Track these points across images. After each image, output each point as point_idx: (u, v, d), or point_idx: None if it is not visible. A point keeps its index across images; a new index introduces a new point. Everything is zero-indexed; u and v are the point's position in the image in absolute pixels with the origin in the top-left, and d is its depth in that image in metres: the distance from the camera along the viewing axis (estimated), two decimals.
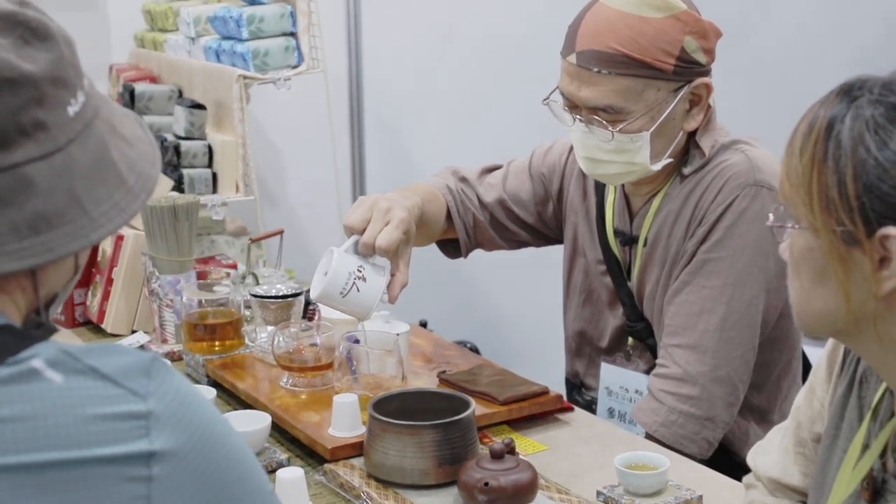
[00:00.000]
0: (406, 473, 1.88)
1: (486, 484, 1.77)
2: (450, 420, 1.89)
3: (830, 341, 1.59)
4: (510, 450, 1.85)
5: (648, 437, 2.14)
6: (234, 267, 2.70)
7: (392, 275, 2.07)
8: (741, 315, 2.10)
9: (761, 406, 2.24)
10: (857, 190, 1.30)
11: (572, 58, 2.08)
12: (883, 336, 1.35)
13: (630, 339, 2.31)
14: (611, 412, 2.33)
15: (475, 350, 3.67)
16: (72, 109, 1.18)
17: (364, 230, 2.04)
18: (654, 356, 2.27)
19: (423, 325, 3.59)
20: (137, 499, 1.09)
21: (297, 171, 3.55)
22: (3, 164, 1.13)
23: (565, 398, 2.47)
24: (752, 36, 4.01)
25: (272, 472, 1.86)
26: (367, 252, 2.04)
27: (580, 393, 2.44)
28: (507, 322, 3.87)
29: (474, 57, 3.71)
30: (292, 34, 2.79)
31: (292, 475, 1.82)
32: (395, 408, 1.96)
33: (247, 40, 2.71)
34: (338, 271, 2.00)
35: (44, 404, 1.08)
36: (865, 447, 1.45)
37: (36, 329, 1.23)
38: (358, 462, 1.96)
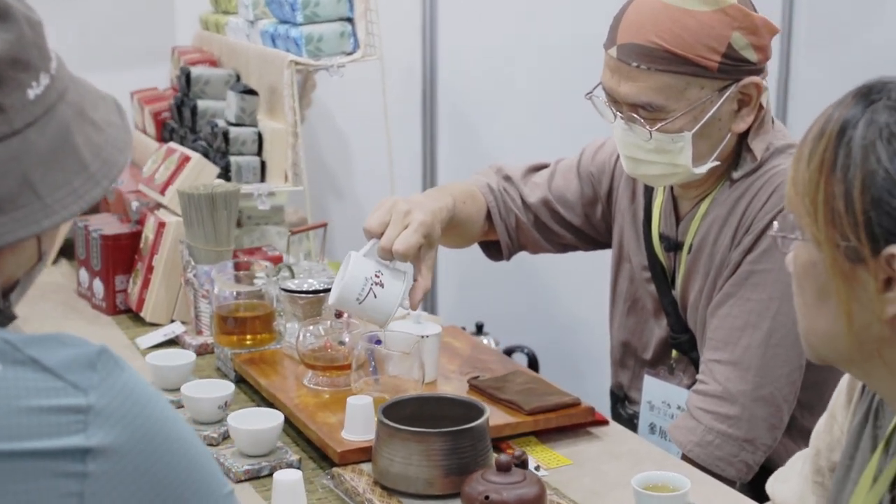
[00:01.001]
0: (411, 482, 1.79)
1: (487, 497, 1.67)
2: (459, 428, 1.79)
3: None
4: (521, 462, 1.75)
5: (685, 457, 2.02)
6: (280, 259, 2.63)
7: (414, 280, 1.98)
8: (787, 331, 1.96)
9: (812, 428, 2.09)
10: (865, 203, 1.17)
11: (613, 51, 1.97)
12: (890, 363, 1.22)
13: (674, 352, 2.18)
14: (652, 428, 2.21)
15: (532, 356, 3.55)
16: (32, 92, 1.14)
17: (383, 234, 1.96)
18: (698, 371, 2.14)
19: (480, 328, 3.49)
20: (70, 495, 1.05)
21: (360, 161, 3.48)
22: None
23: (609, 411, 2.36)
24: (863, 35, 3.83)
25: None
26: (385, 256, 1.96)
27: (623, 406, 2.32)
28: (570, 329, 3.75)
29: (553, 50, 3.60)
30: (349, 20, 2.71)
31: (289, 478, 1.74)
32: (409, 413, 1.87)
33: (301, 24, 2.63)
34: (354, 276, 1.92)
35: None
36: (875, 480, 1.32)
37: None
38: (367, 467, 1.88)
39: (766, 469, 2.05)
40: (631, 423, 2.26)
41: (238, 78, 2.84)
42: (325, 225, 2.53)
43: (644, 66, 1.92)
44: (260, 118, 2.74)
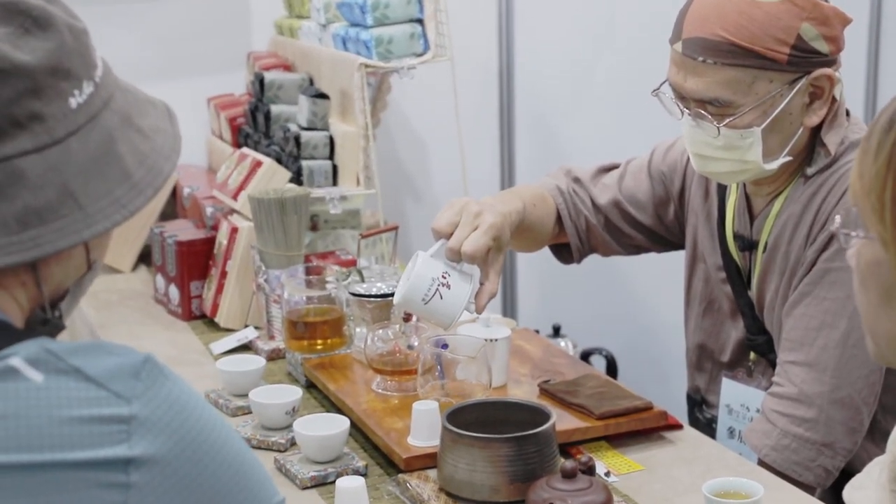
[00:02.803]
0: (476, 488, 1.76)
1: None
2: (525, 434, 1.76)
3: None
4: (587, 469, 1.71)
5: (761, 462, 1.96)
6: (353, 263, 2.62)
7: (481, 283, 1.95)
8: None
9: None
10: None
11: (678, 46, 1.92)
12: None
13: (752, 354, 2.12)
14: (731, 432, 2.15)
15: (611, 359, 3.49)
16: (74, 101, 1.14)
17: (452, 234, 1.93)
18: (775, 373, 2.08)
19: (556, 330, 3.44)
20: None
21: (434, 164, 3.45)
22: None
23: (686, 415, 2.31)
24: None
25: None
26: (453, 258, 1.93)
27: (701, 410, 2.26)
28: (650, 331, 3.68)
29: (633, 49, 3.53)
30: (419, 21, 2.69)
31: (351, 485, 1.73)
32: (474, 418, 1.84)
33: (371, 27, 2.62)
34: (421, 276, 1.89)
35: (19, 404, 1.05)
36: None
37: (42, 325, 1.19)
38: (433, 474, 1.85)
39: (848, 474, 1.98)
40: (709, 427, 2.20)
41: (311, 82, 2.84)
42: (396, 228, 2.51)
43: (710, 60, 1.87)
44: (332, 122, 2.73)
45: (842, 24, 1.88)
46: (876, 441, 2.01)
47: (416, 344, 2.11)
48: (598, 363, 3.48)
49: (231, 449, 1.14)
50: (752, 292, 2.08)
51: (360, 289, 2.25)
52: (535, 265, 3.49)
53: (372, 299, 2.21)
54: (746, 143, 1.90)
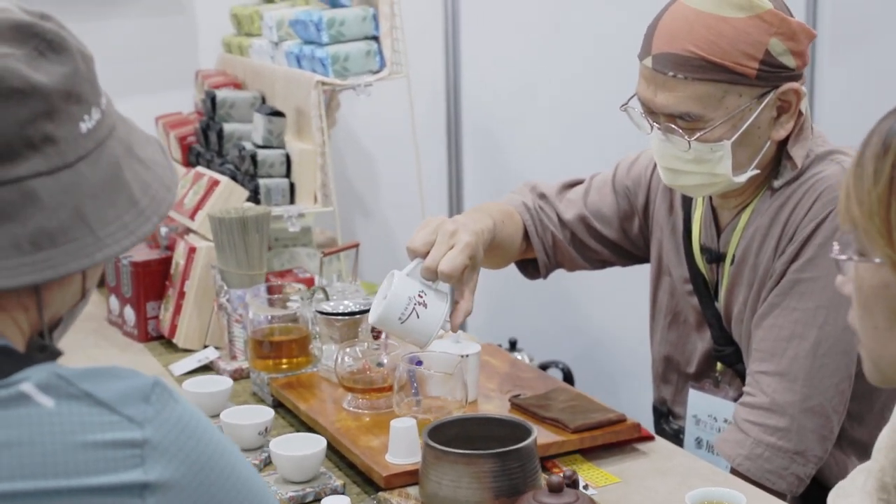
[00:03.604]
0: None
1: None
2: (508, 449, 1.76)
3: None
4: (571, 482, 1.72)
5: (734, 471, 1.98)
6: (312, 281, 2.61)
7: (455, 302, 1.95)
8: (835, 340, 1.93)
9: (863, 439, 2.06)
10: None
11: (648, 61, 1.94)
12: None
13: (719, 365, 2.15)
14: (699, 442, 2.18)
15: (567, 372, 3.52)
16: (84, 126, 1.14)
17: (427, 253, 1.93)
18: (745, 383, 2.10)
19: (513, 344, 3.46)
20: None
21: (387, 180, 3.45)
22: (8, 177, 1.09)
23: (652, 426, 2.33)
24: (889, 36, 3.79)
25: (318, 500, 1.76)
26: (429, 277, 1.93)
27: (668, 421, 2.28)
28: (604, 344, 3.71)
29: (578, 65, 3.57)
30: (374, 38, 2.69)
31: None
32: (453, 434, 1.84)
33: (327, 45, 2.61)
34: (397, 296, 1.89)
35: (32, 430, 1.04)
36: None
37: (40, 352, 1.17)
38: (414, 491, 1.85)
39: (817, 482, 2.02)
40: (676, 438, 2.23)
41: (263, 100, 2.83)
42: (356, 245, 2.50)
43: (681, 75, 1.89)
44: (287, 140, 2.72)
45: (807, 38, 1.92)
46: (842, 448, 2.05)
47: (385, 361, 2.11)
48: (555, 376, 3.50)
49: (240, 471, 1.15)
50: (720, 304, 2.10)
51: (328, 307, 2.24)
52: (486, 280, 3.49)
53: (341, 317, 2.21)
54: (716, 157, 1.93)
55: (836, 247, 1.26)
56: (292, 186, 2.68)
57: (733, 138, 1.92)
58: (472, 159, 3.55)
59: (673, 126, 1.93)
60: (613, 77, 3.66)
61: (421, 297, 1.90)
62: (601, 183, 2.28)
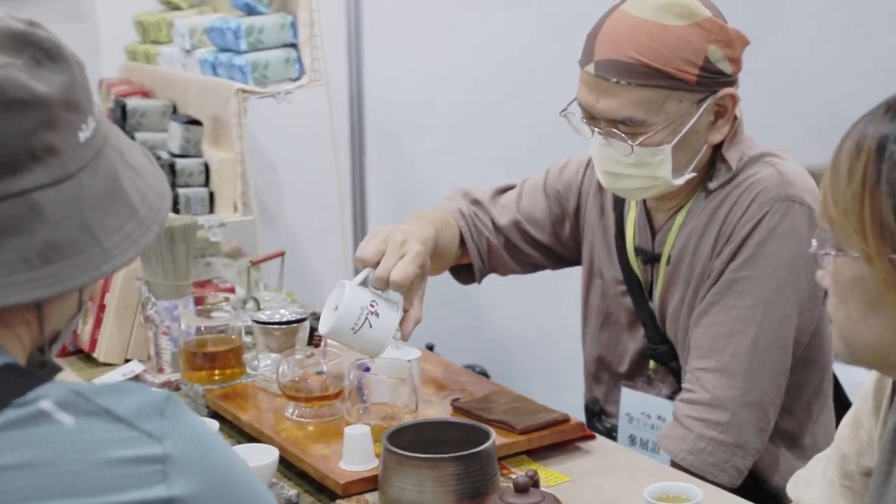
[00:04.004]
0: None
1: None
2: (470, 452, 1.78)
3: (874, 372, 1.49)
4: (534, 483, 1.74)
5: (674, 465, 2.04)
6: (233, 291, 2.59)
7: (405, 310, 1.96)
8: (773, 336, 2.00)
9: (792, 430, 2.13)
10: None
11: (590, 67, 1.98)
12: None
13: (652, 363, 2.20)
14: (632, 439, 2.23)
15: (484, 374, 3.55)
16: (82, 135, 1.12)
17: (377, 263, 1.94)
18: (678, 380, 2.16)
19: (430, 348, 3.48)
20: None
21: (295, 189, 3.44)
22: (12, 190, 1.07)
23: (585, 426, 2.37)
24: (767, 45, 3.92)
25: None
26: (380, 286, 1.94)
27: (600, 420, 2.33)
28: (517, 345, 3.76)
29: (480, 66, 3.61)
30: (293, 45, 2.68)
31: None
32: (409, 439, 1.85)
33: (245, 52, 2.60)
34: (350, 306, 1.89)
35: (55, 449, 1.02)
36: None
37: (40, 368, 1.15)
38: (372, 497, 1.86)
39: (749, 473, 2.08)
40: (609, 436, 2.27)
41: (175, 108, 2.79)
42: (283, 254, 2.49)
43: (624, 81, 1.94)
44: (204, 148, 2.69)
45: (742, 45, 1.98)
46: (772, 439, 2.12)
47: (325, 370, 2.11)
48: None
49: (250, 480, 1.15)
50: (654, 303, 2.16)
51: (264, 316, 2.23)
52: None
53: (280, 326, 2.20)
54: (657, 160, 1.98)
55: (814, 243, 1.32)
56: (211, 195, 2.65)
57: (673, 142, 1.97)
58: (375, 167, 3.56)
59: (615, 131, 1.98)
60: (513, 83, 3.73)
61: (373, 306, 1.91)
62: (533, 188, 2.31)
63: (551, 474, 1.97)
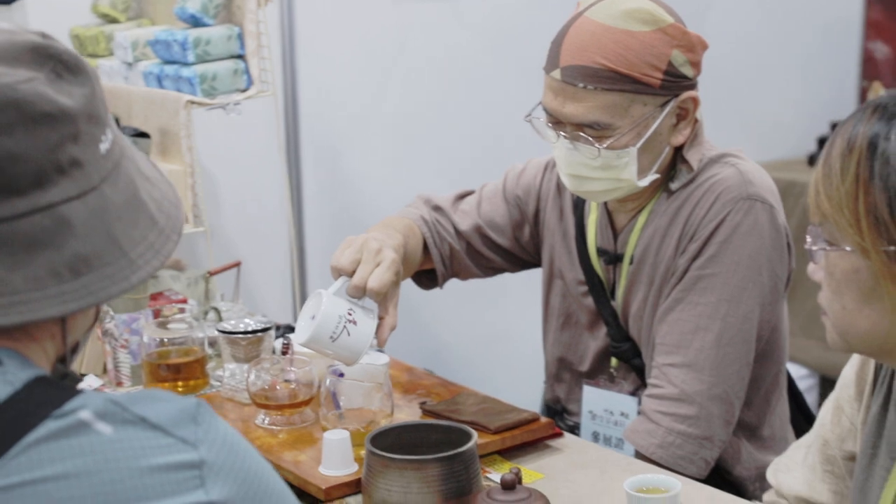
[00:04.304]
0: None
1: None
2: (454, 452, 1.80)
3: (857, 358, 1.55)
4: (519, 480, 1.78)
5: (641, 457, 2.08)
6: (185, 302, 2.58)
7: (380, 317, 1.98)
8: (737, 331, 2.06)
9: (751, 422, 2.20)
10: None
11: (556, 73, 2.02)
12: None
13: (614, 361, 2.25)
14: (595, 436, 2.27)
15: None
16: (103, 147, 1.14)
17: (353, 272, 1.96)
18: (640, 376, 2.21)
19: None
20: None
21: (237, 200, 3.42)
22: (40, 204, 1.08)
23: None
24: None
25: None
26: (357, 294, 1.96)
27: (562, 419, 2.37)
28: (459, 348, 3.80)
29: (418, 80, 3.65)
30: (240, 56, 2.68)
31: None
32: (390, 443, 1.87)
33: (193, 64, 2.59)
34: (328, 315, 1.91)
35: (96, 458, 1.03)
36: None
37: (62, 379, 1.15)
38: (354, 500, 1.87)
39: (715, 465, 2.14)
40: (572, 434, 2.31)
41: (117, 121, 2.77)
42: (238, 265, 2.50)
43: (591, 86, 1.98)
44: (152, 161, 2.67)
45: (703, 49, 2.04)
46: (734, 430, 2.17)
47: (293, 377, 2.12)
48: None
49: (277, 482, 1.17)
50: (617, 302, 2.20)
51: (229, 326, 2.23)
52: (326, 284, 3.49)
53: (245, 336, 2.20)
54: (622, 163, 2.03)
55: (808, 238, 1.37)
56: None
57: (638, 144, 2.02)
58: (312, 175, 3.56)
59: (581, 134, 2.02)
60: (447, 93, 3.77)
61: (350, 314, 1.93)
62: (492, 193, 2.35)
63: (526, 472, 2.00)
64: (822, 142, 4.56)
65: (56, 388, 1.08)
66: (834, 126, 4.46)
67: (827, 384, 4.14)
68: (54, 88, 1.11)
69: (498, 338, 3.92)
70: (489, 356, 3.84)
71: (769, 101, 4.50)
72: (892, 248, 1.28)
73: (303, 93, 3.47)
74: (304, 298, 3.48)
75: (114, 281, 1.12)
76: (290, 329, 2.50)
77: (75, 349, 1.22)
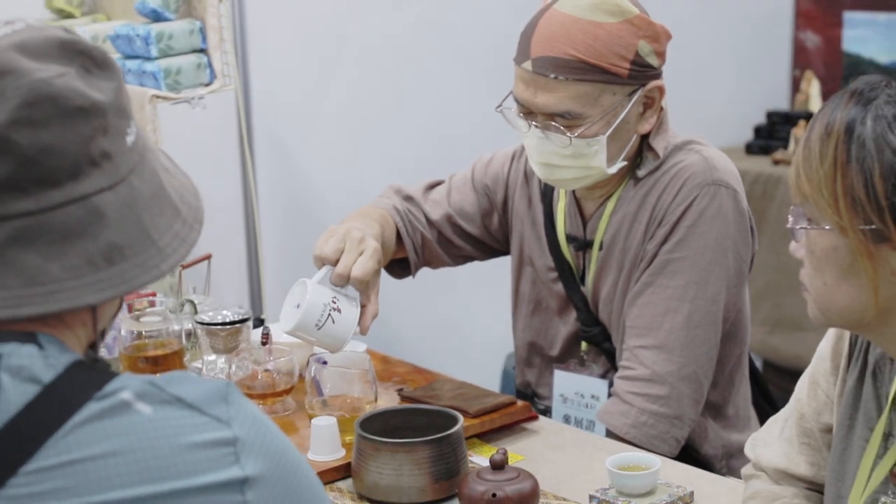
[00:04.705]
0: (403, 492, 1.84)
1: (494, 495, 1.75)
2: (444, 434, 1.86)
3: (833, 334, 1.62)
4: (506, 460, 1.83)
5: (613, 437, 2.14)
6: (154, 296, 2.59)
7: (363, 305, 2.03)
8: (705, 312, 2.13)
9: (716, 401, 2.27)
10: (887, 190, 1.33)
11: (527, 64, 2.08)
12: None
13: (584, 345, 2.31)
14: (566, 419, 2.33)
15: None
16: (129, 139, 1.17)
17: (337, 261, 2.00)
18: (610, 360, 2.27)
19: None
20: None
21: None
22: (75, 195, 1.11)
23: None
24: None
25: None
26: (341, 283, 2.01)
27: (533, 403, 2.43)
28: (413, 336, 3.84)
29: (365, 72, 3.68)
30: (202, 51, 2.70)
31: None
32: (378, 427, 1.92)
33: (157, 59, 2.61)
34: (313, 303, 1.95)
35: (139, 437, 1.07)
36: (888, 435, 1.48)
37: (94, 364, 1.19)
38: (345, 485, 1.92)
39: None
40: (544, 417, 2.37)
41: None
42: (209, 257, 2.52)
43: (562, 76, 2.04)
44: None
45: (667, 39, 2.11)
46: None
47: (272, 367, 2.16)
48: None
49: (305, 464, 1.21)
50: (587, 288, 2.27)
51: (207, 318, 2.25)
52: (280, 275, 3.51)
53: (225, 327, 2.23)
54: (592, 151, 2.09)
55: (790, 218, 1.44)
56: None
57: (608, 133, 2.08)
58: (265, 167, 3.57)
59: (553, 123, 2.08)
60: (396, 82, 3.81)
61: (335, 302, 1.97)
62: (461, 182, 2.40)
63: (509, 454, 2.05)
64: (758, 130, 4.67)
65: (95, 371, 1.12)
66: (769, 115, 4.65)
67: (768, 368, 4.25)
68: (85, 83, 1.14)
69: (448, 327, 3.97)
70: (441, 345, 3.88)
71: (707, 91, 4.60)
72: (868, 227, 1.35)
73: (255, 86, 3.49)
74: (260, 290, 3.51)
75: (145, 269, 1.15)
76: (259, 322, 2.54)
77: (103, 335, 1.25)
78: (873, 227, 1.35)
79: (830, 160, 1.37)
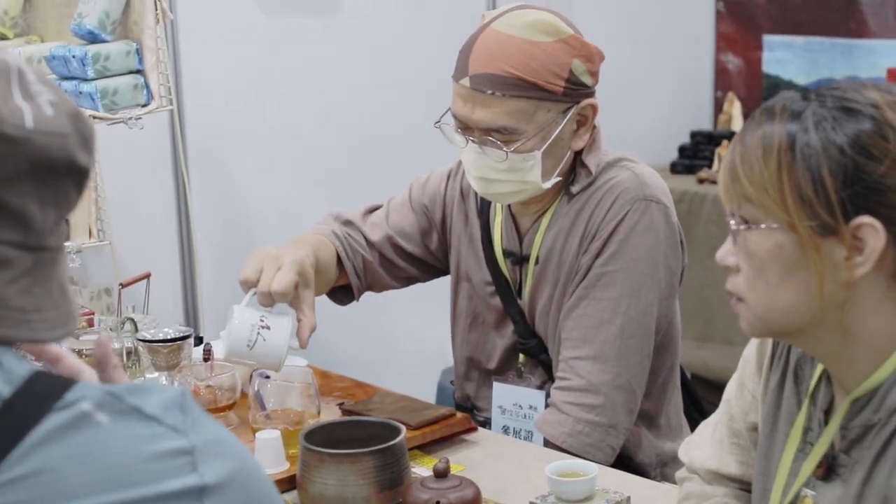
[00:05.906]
0: (348, 502, 1.86)
1: (438, 503, 1.79)
2: (388, 445, 1.89)
3: (754, 340, 1.68)
4: (449, 469, 1.87)
5: (551, 446, 2.19)
6: (92, 314, 2.60)
7: (298, 320, 2.07)
8: (638, 324, 2.19)
9: (650, 411, 2.33)
10: (836, 185, 1.38)
11: (465, 81, 2.13)
12: (849, 323, 1.44)
13: (521, 357, 2.36)
14: (505, 430, 2.37)
15: None
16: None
17: (258, 282, 2.04)
18: (547, 371, 2.32)
19: None
20: None
21: (132, 214, 3.43)
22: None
23: None
24: None
25: None
26: (266, 301, 2.05)
27: (473, 416, 2.47)
28: (350, 353, 3.86)
29: (295, 87, 3.71)
30: (139, 72, 2.72)
31: None
32: (322, 439, 1.94)
33: (93, 80, 2.62)
34: (240, 326, 2.00)
35: (100, 447, 1.09)
36: (807, 430, 1.54)
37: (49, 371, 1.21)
38: (290, 497, 1.94)
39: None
40: (483, 428, 2.41)
41: None
42: (149, 276, 2.53)
43: (499, 92, 2.10)
44: None
45: (600, 59, 2.18)
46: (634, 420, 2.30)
47: (214, 383, 2.18)
48: None
49: (263, 473, 1.23)
50: (524, 301, 2.32)
51: (148, 335, 2.27)
52: (217, 293, 3.52)
53: (166, 344, 2.25)
54: (528, 166, 2.15)
55: (732, 223, 1.49)
56: (66, 221, 2.65)
57: (543, 148, 2.14)
58: (198, 184, 3.58)
59: (490, 139, 2.13)
60: (325, 103, 3.84)
61: (262, 321, 2.01)
62: (399, 204, 2.44)
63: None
64: (682, 150, 4.78)
65: (53, 380, 1.14)
66: (693, 135, 4.75)
67: (698, 382, 4.33)
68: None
69: (387, 343, 4.01)
70: (379, 360, 3.92)
71: (632, 112, 4.69)
72: (815, 222, 1.40)
73: (188, 106, 3.51)
74: (195, 308, 3.52)
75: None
76: (199, 340, 2.56)
77: None
78: (820, 221, 1.40)
79: (775, 163, 1.41)
